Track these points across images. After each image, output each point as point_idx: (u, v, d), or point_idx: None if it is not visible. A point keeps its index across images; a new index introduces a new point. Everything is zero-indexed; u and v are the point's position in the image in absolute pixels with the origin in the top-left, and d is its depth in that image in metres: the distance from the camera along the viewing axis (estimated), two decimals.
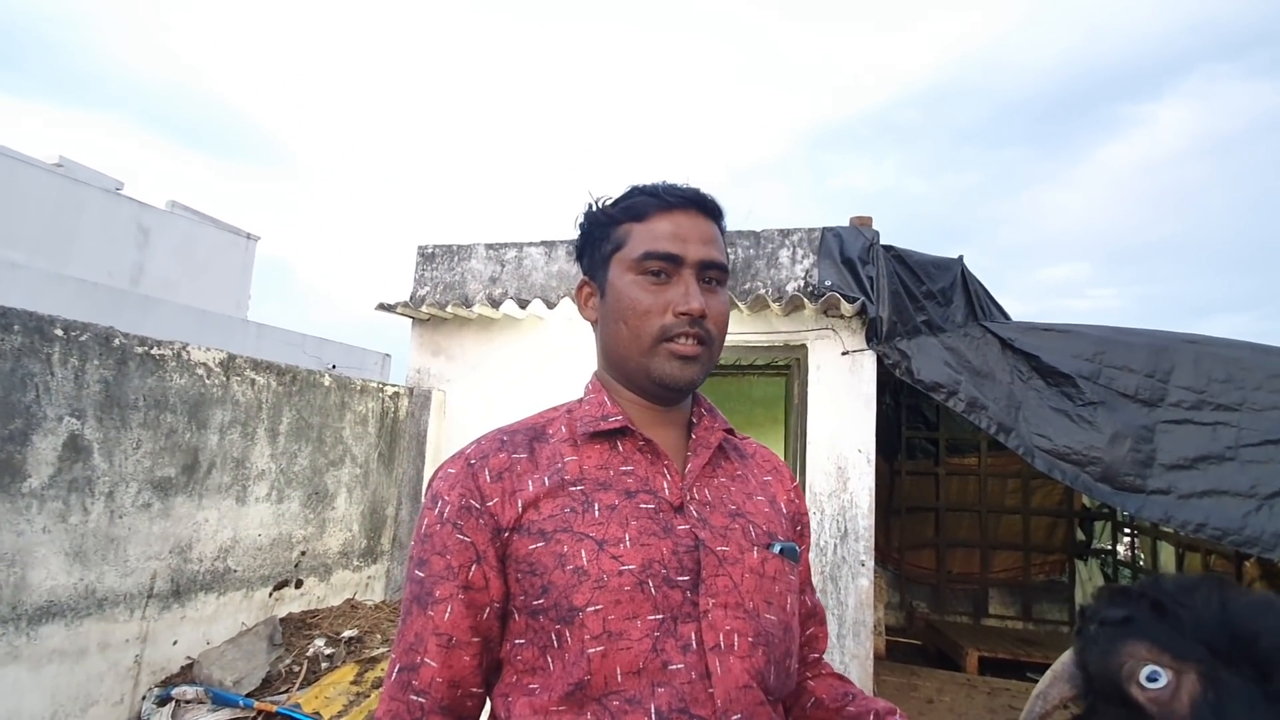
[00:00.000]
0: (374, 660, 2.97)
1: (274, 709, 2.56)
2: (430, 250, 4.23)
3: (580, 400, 0.85)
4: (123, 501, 2.50)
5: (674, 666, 0.68)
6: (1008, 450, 3.72)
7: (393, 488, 3.96)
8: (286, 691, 2.72)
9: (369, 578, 3.83)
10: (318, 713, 2.54)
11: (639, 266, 0.78)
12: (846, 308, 3.32)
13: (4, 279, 6.45)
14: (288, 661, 2.90)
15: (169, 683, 2.71)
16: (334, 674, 2.81)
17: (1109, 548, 6.28)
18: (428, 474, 3.97)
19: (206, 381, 2.82)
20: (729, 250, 3.57)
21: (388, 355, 10.44)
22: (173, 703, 2.63)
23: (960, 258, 3.69)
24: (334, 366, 8.82)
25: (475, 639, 0.72)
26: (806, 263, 3.61)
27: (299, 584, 3.33)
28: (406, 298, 4.16)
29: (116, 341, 2.48)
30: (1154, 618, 0.60)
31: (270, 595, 3.19)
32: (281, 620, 3.19)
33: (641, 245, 0.79)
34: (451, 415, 4.01)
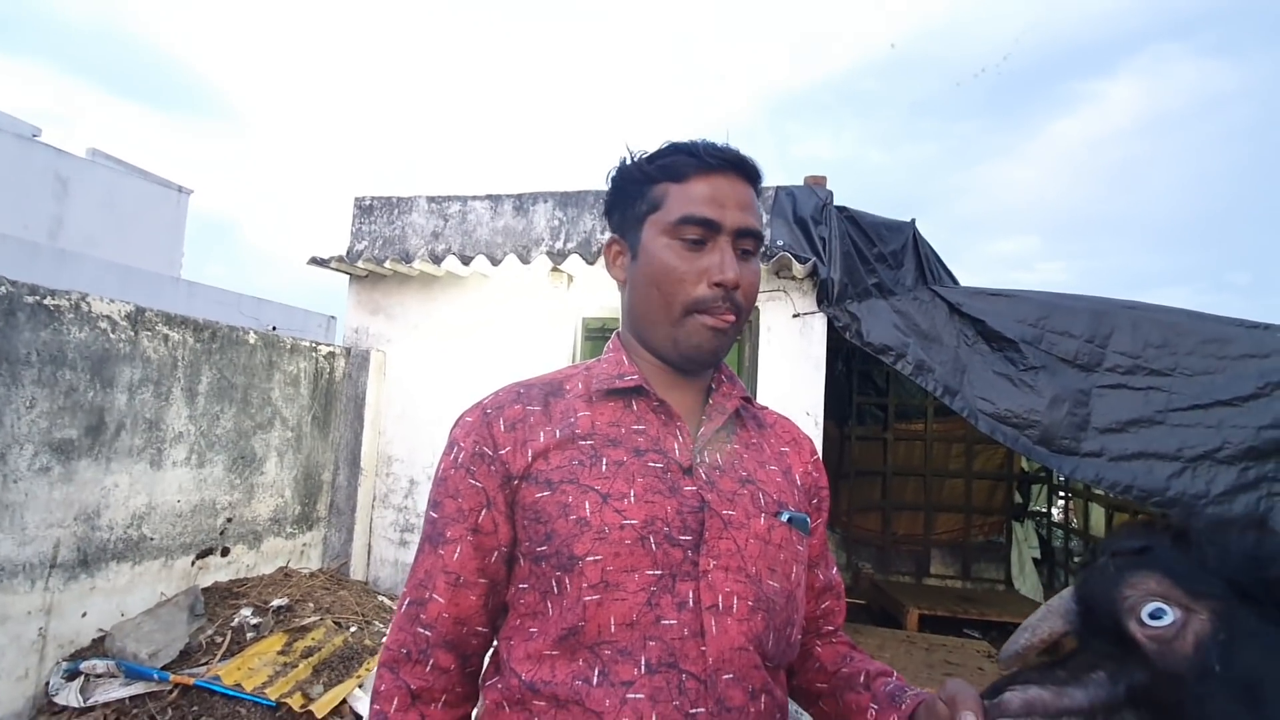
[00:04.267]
0: (305, 629, 2.85)
1: (191, 681, 2.43)
2: (368, 202, 3.99)
3: (600, 360, 0.84)
4: (16, 465, 2.30)
5: (667, 622, 0.69)
6: (953, 416, 3.76)
7: (329, 452, 3.79)
8: (207, 664, 2.59)
9: (304, 545, 3.68)
10: (239, 684, 2.42)
11: (675, 231, 0.76)
12: (798, 269, 3.26)
13: None
14: (210, 632, 2.76)
15: (78, 656, 2.54)
16: (259, 644, 2.69)
17: (1044, 510, 6.53)
18: (367, 438, 3.82)
19: (111, 336, 2.59)
20: None
21: (333, 318, 10.04)
22: (82, 677, 2.47)
23: (912, 221, 3.66)
24: (274, 328, 8.44)
25: (482, 580, 0.74)
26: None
27: (225, 552, 3.17)
28: (343, 252, 3.93)
29: (2, 289, 2.25)
30: (1175, 550, 0.56)
31: (193, 564, 3.02)
32: (206, 590, 3.04)
33: (679, 209, 0.76)
34: (392, 376, 3.84)
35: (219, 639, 2.72)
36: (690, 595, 0.70)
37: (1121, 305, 3.41)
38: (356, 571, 3.80)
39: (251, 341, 3.22)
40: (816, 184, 3.49)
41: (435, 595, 0.74)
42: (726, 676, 0.70)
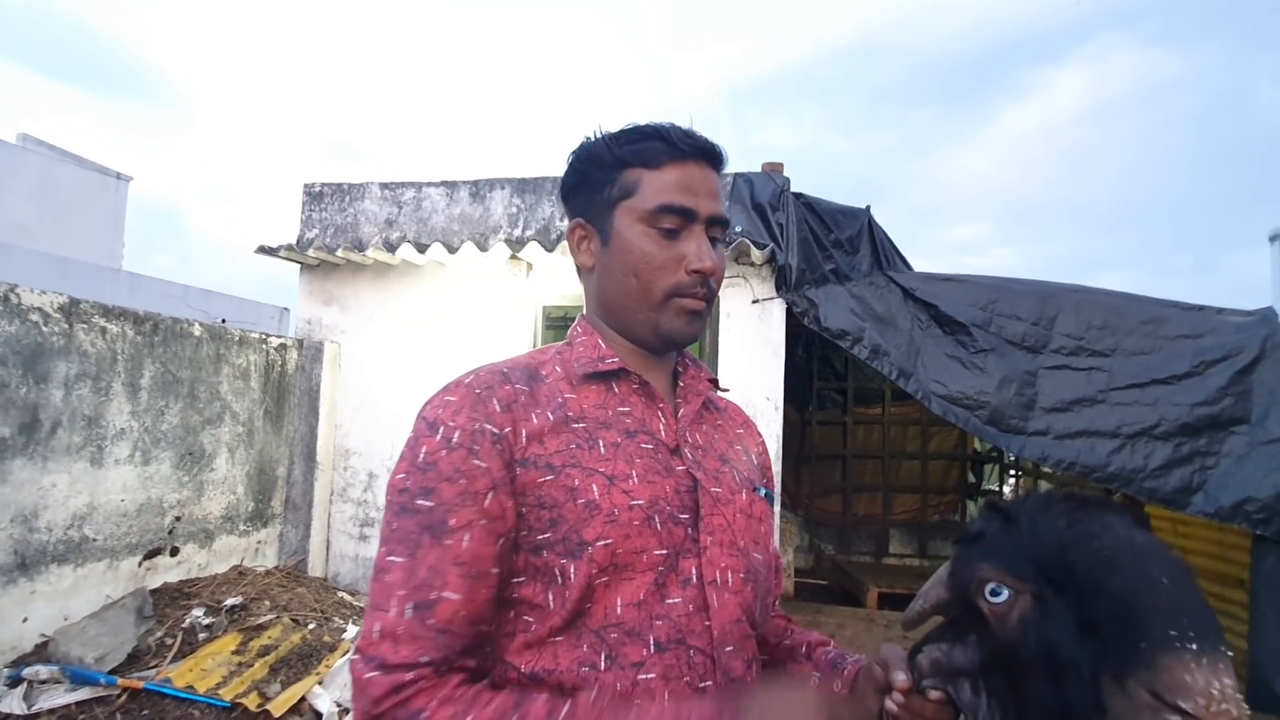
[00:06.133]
0: (260, 628, 2.79)
1: (141, 685, 2.36)
2: (318, 189, 3.88)
3: (568, 344, 0.83)
4: None
5: (672, 600, 0.70)
6: (910, 399, 3.85)
7: (283, 447, 3.70)
8: (157, 666, 2.51)
9: (259, 543, 3.59)
10: (191, 686, 2.35)
11: (652, 219, 0.76)
12: (757, 255, 3.29)
13: None
14: (159, 634, 2.68)
15: (21, 662, 2.44)
16: (213, 645, 2.62)
17: (997, 489, 6.76)
18: (323, 431, 3.73)
19: (44, 329, 2.47)
20: None
21: (286, 310, 9.75)
22: (25, 684, 2.37)
23: (867, 208, 3.72)
24: (223, 321, 8.17)
25: (495, 570, 0.67)
26: None
27: (174, 552, 3.07)
28: (293, 241, 3.82)
29: None
30: (1002, 536, 0.61)
31: (140, 565, 2.92)
32: (155, 591, 2.94)
33: (655, 197, 0.76)
34: (348, 368, 3.75)
35: (169, 641, 2.64)
36: (693, 572, 0.72)
37: (1066, 288, 3.53)
38: (315, 568, 3.73)
39: (197, 334, 3.11)
40: (774, 170, 3.52)
41: (446, 593, 0.64)
42: (728, 649, 0.72)
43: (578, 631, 0.68)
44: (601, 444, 0.73)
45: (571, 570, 0.67)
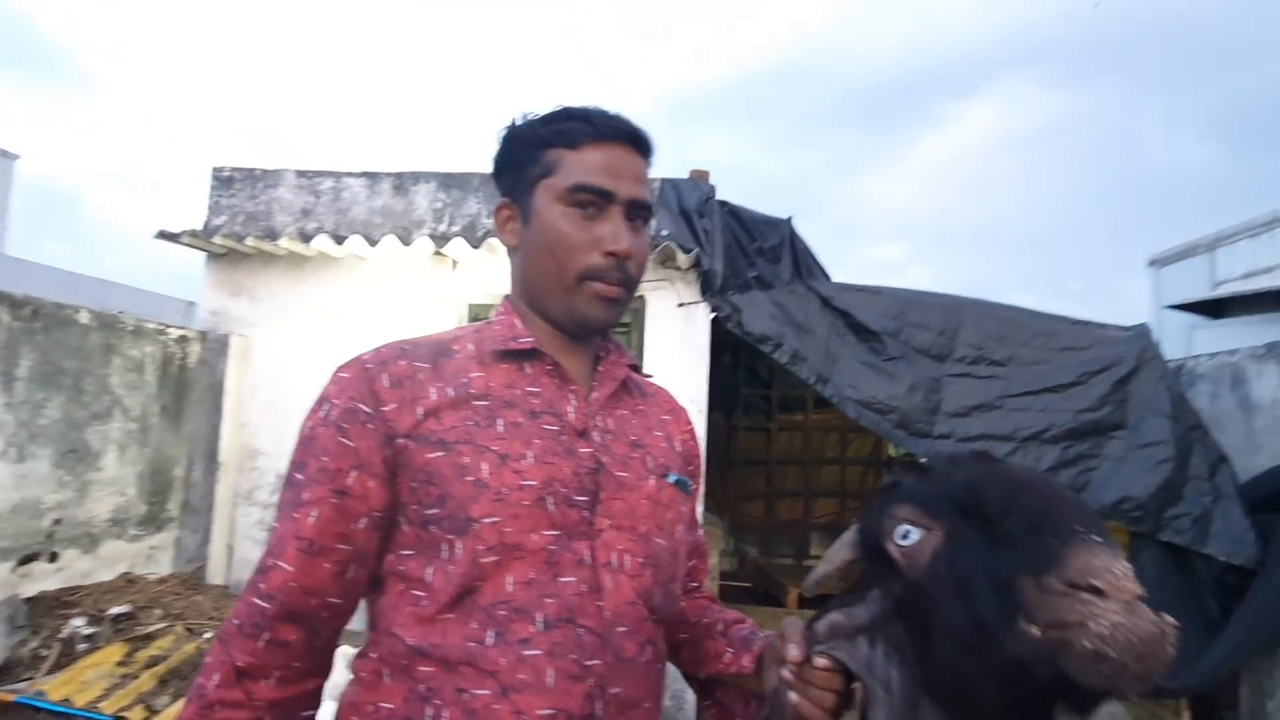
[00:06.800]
0: (149, 638, 2.60)
1: (11, 698, 2.16)
2: (227, 174, 3.68)
3: (489, 322, 0.83)
4: None
5: (565, 580, 0.70)
6: (831, 407, 3.99)
7: (182, 446, 3.48)
8: (30, 679, 2.31)
9: (152, 548, 3.35)
10: (68, 699, 2.18)
11: (569, 198, 0.76)
12: (682, 259, 3.35)
13: None
14: (34, 645, 2.46)
15: None
16: (94, 655, 2.43)
17: None
18: (228, 430, 3.53)
19: None
20: None
21: (192, 304, 9.17)
22: None
23: (789, 218, 3.85)
24: (120, 313, 7.62)
25: (343, 546, 0.69)
26: None
27: (53, 557, 2.83)
28: (199, 227, 3.60)
29: None
30: (916, 483, 0.65)
31: (14, 571, 2.68)
32: (30, 599, 2.70)
33: (573, 176, 0.76)
34: (257, 364, 3.57)
35: (45, 652, 2.43)
36: (587, 553, 0.72)
37: (968, 302, 3.76)
38: (215, 575, 3.51)
39: (84, 321, 2.89)
40: (700, 178, 3.60)
41: (281, 563, 0.68)
42: (621, 629, 0.72)
43: (468, 608, 0.68)
44: (501, 423, 0.73)
45: (458, 546, 0.68)
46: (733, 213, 3.60)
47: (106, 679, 2.34)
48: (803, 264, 3.81)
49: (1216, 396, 3.85)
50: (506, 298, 0.85)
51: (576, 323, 0.79)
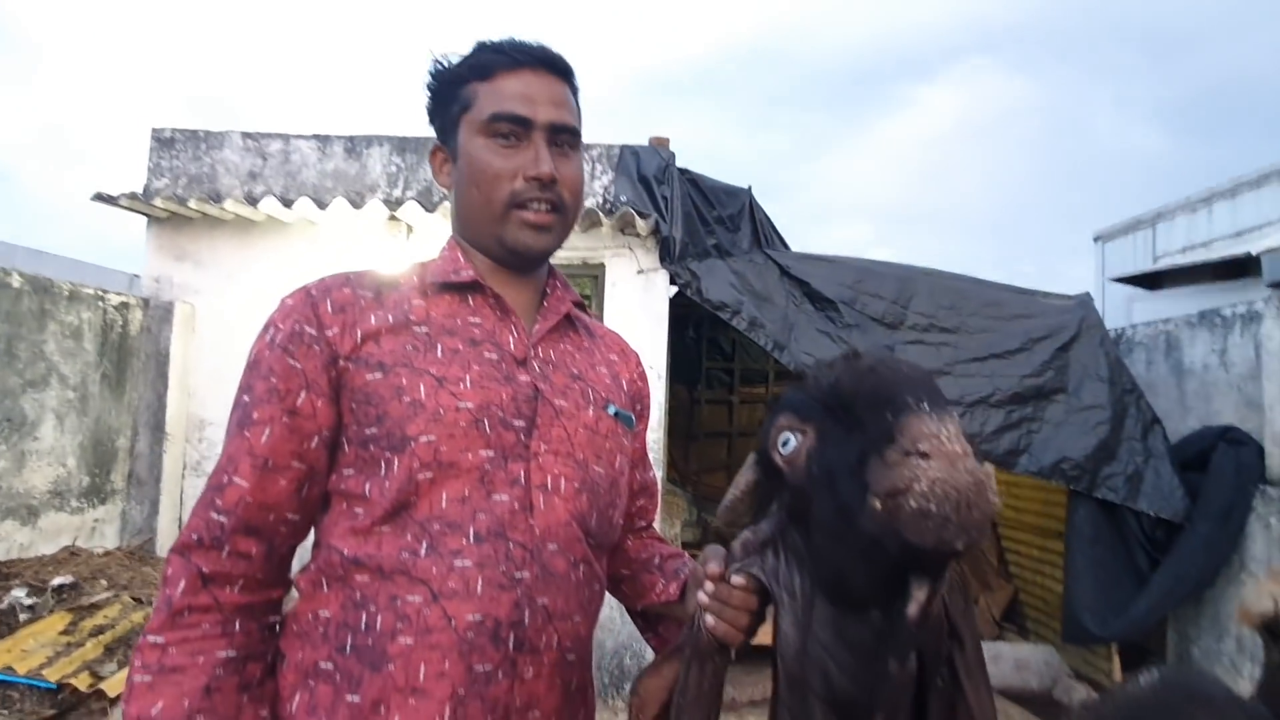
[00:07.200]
0: (95, 607, 2.54)
1: None
2: (169, 134, 3.53)
3: (434, 259, 0.84)
4: None
5: (498, 497, 0.72)
6: (792, 378, 4.07)
7: (125, 416, 3.36)
8: None
9: (96, 520, 3.25)
10: (10, 667, 2.12)
11: (488, 129, 0.77)
12: (642, 225, 3.35)
13: None
14: None
15: None
16: (36, 625, 2.36)
17: None
18: (174, 400, 3.42)
19: None
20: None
21: (136, 276, 8.80)
22: None
23: (749, 188, 3.87)
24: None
25: (297, 464, 0.71)
26: (605, 179, 3.57)
27: None
28: (139, 190, 3.46)
29: None
30: (794, 391, 0.66)
31: None
32: None
33: (489, 106, 0.77)
34: (203, 332, 3.46)
35: None
36: (521, 474, 0.74)
37: (920, 272, 3.85)
38: (164, 548, 3.43)
39: (16, 285, 2.76)
40: (660, 145, 3.59)
41: (236, 479, 0.70)
42: (551, 546, 0.74)
43: (403, 522, 0.70)
44: (440, 349, 0.75)
45: (395, 463, 0.70)
46: (692, 181, 3.60)
47: (50, 647, 2.27)
48: (762, 233, 3.85)
49: (1151, 363, 4.03)
50: (451, 237, 0.86)
51: (509, 251, 0.79)
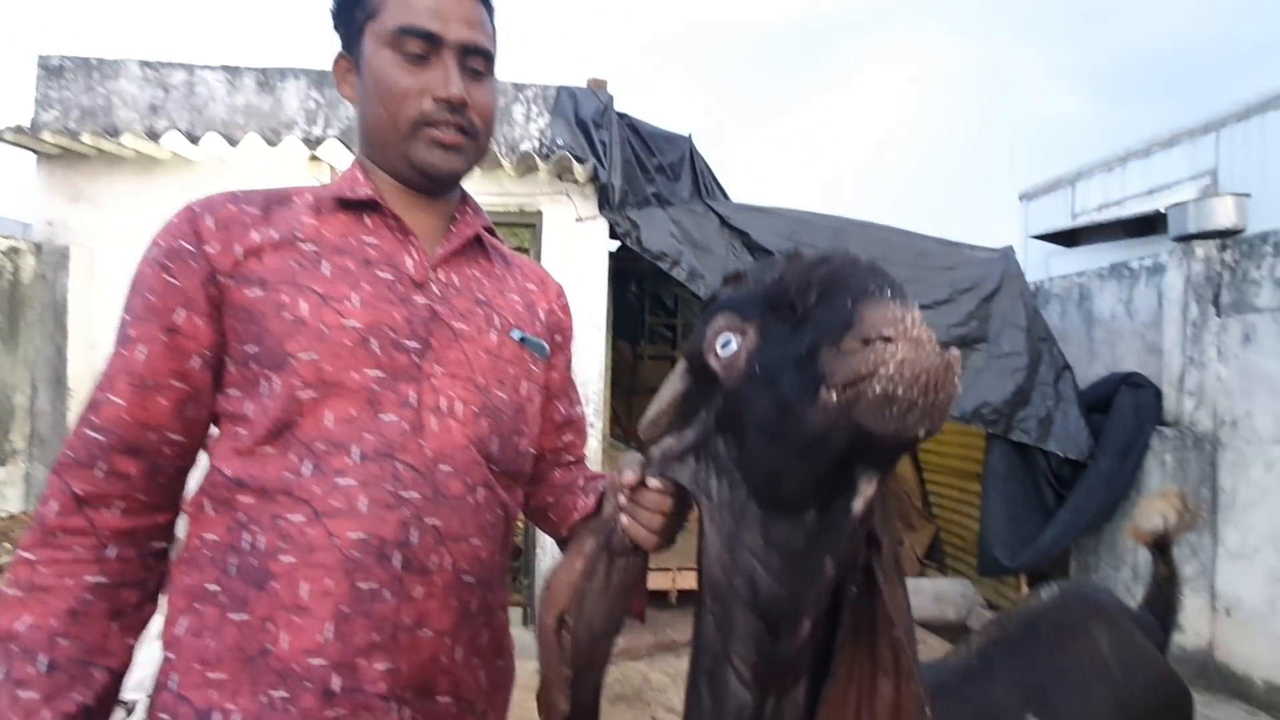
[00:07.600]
0: None
1: None
2: (57, 63, 3.20)
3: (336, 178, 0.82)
4: None
5: (386, 417, 0.70)
6: None
7: (22, 370, 3.12)
8: None
9: None
10: None
11: (395, 43, 0.73)
12: (579, 171, 3.27)
13: None
14: None
15: None
16: None
17: None
18: (75, 352, 3.19)
19: None
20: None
21: (28, 225, 8.08)
22: None
23: (689, 135, 3.82)
24: None
25: (177, 384, 0.70)
26: (541, 122, 3.45)
27: None
28: (26, 124, 3.14)
29: None
30: (733, 291, 0.64)
31: None
32: None
33: (396, 17, 0.73)
34: (104, 278, 3.21)
35: None
36: (413, 395, 0.72)
37: (853, 223, 3.92)
38: None
39: None
40: (598, 87, 3.48)
41: (113, 397, 0.68)
42: (445, 468, 0.72)
43: (286, 442, 0.69)
44: (327, 266, 0.73)
45: (275, 382, 0.69)
46: (631, 126, 3.52)
47: None
48: (702, 183, 3.82)
49: (1065, 313, 4.27)
50: (356, 156, 0.83)
51: (417, 171, 0.77)
